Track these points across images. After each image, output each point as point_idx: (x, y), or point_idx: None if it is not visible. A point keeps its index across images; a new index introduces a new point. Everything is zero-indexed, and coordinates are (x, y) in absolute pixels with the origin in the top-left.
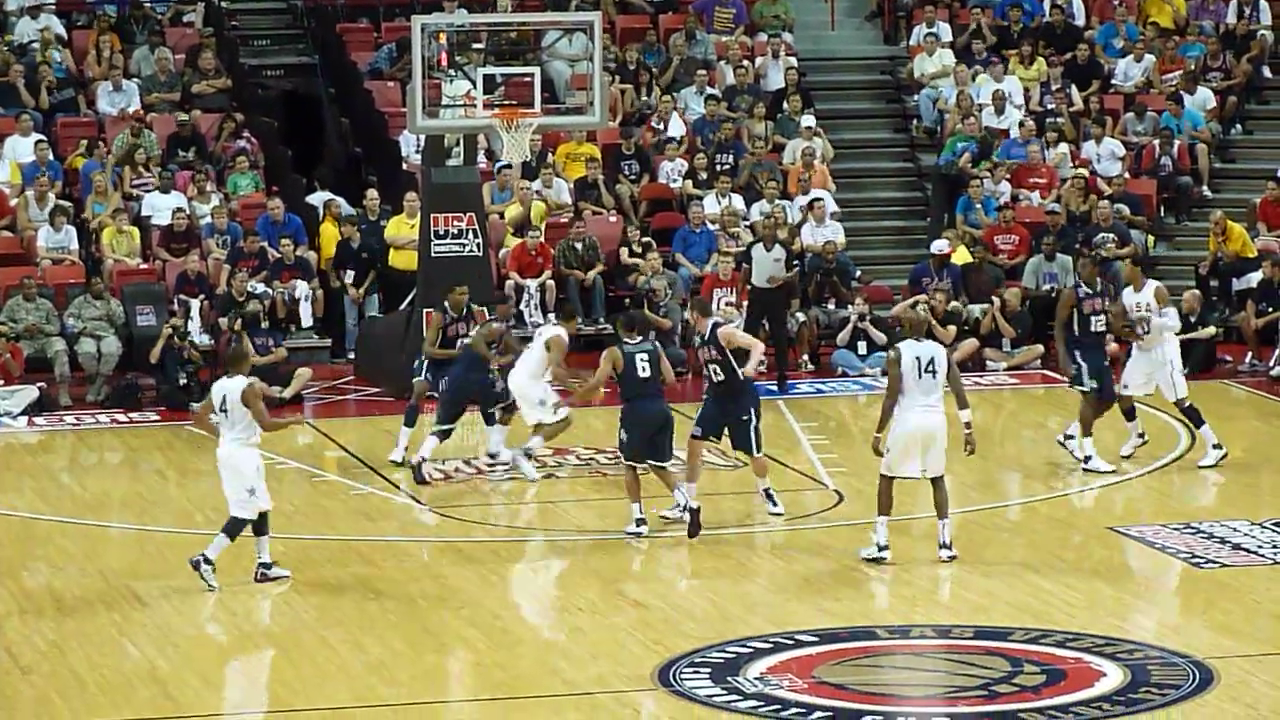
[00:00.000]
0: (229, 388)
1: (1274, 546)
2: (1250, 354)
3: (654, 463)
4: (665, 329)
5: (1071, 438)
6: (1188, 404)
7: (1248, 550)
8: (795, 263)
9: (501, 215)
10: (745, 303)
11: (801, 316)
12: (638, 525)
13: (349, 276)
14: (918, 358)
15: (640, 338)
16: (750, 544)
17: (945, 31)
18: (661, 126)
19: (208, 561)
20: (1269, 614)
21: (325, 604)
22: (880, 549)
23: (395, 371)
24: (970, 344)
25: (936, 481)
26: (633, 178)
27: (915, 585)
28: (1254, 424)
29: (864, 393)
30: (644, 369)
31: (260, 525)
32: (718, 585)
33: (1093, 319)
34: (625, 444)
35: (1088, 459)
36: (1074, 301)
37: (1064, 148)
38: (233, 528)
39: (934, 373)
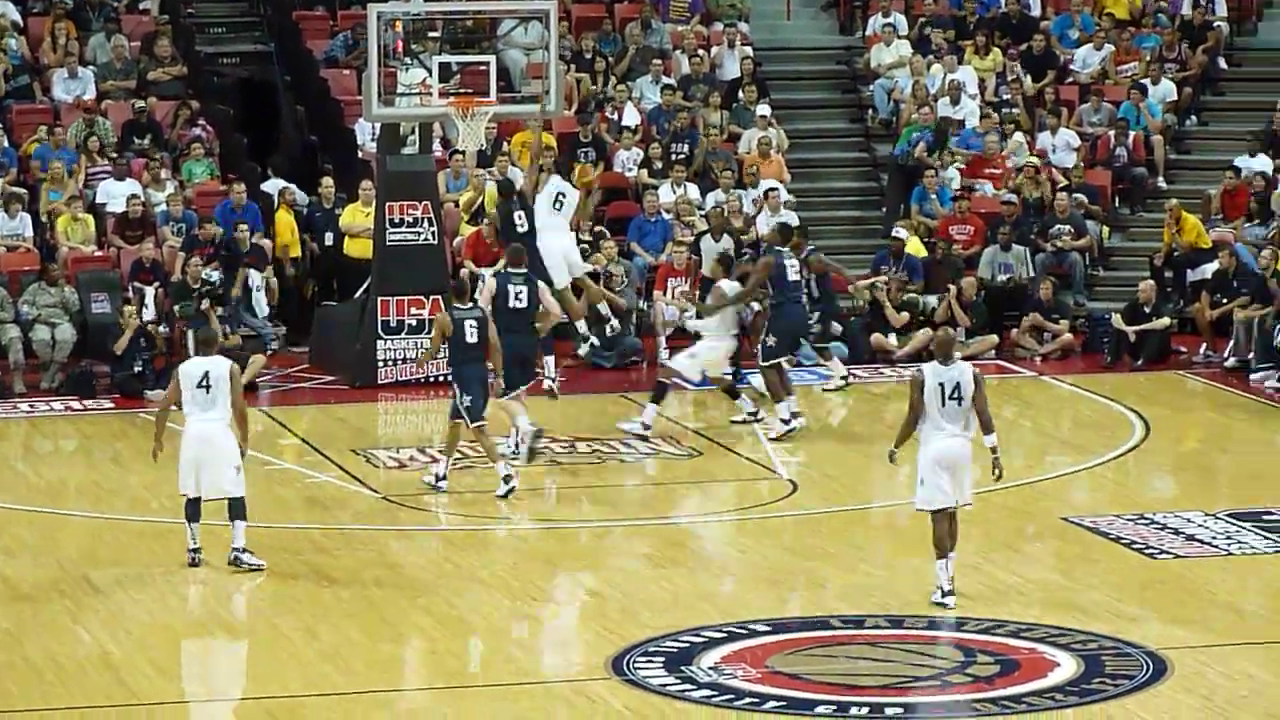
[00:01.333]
0: (211, 365)
1: (1228, 538)
2: (1205, 345)
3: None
4: (621, 309)
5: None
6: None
7: (1201, 541)
8: (745, 253)
9: (456, 204)
10: (695, 291)
11: (756, 305)
12: (438, 480)
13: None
14: (941, 383)
15: (471, 303)
16: (704, 534)
17: (901, 23)
18: (616, 116)
19: (243, 554)
20: (1223, 605)
21: (279, 592)
22: (945, 593)
23: (350, 359)
24: (989, 340)
25: (951, 514)
26: (589, 165)
27: (869, 575)
28: (1208, 415)
29: (818, 382)
30: (472, 334)
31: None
32: (672, 574)
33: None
34: (470, 408)
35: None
36: None
37: (1019, 137)
38: (241, 507)
39: (959, 399)
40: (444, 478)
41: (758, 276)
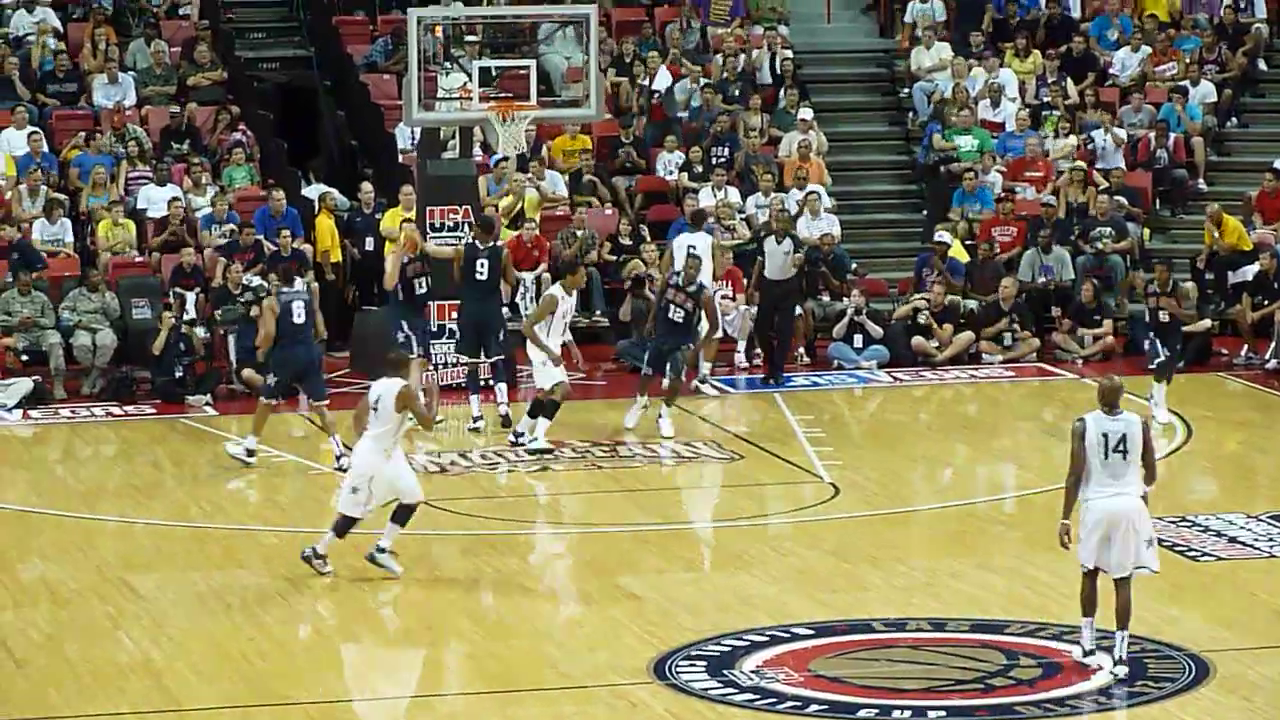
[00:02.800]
0: (383, 389)
1: (1269, 540)
2: (1246, 347)
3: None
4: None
5: None
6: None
7: (1243, 543)
8: (807, 254)
9: (496, 207)
10: (741, 295)
11: (798, 309)
12: (247, 455)
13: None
14: (1105, 434)
15: (298, 287)
16: (746, 536)
17: (939, 8)
18: (647, 81)
19: (318, 556)
20: (1265, 607)
21: (321, 595)
22: (1086, 653)
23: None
24: (1031, 342)
25: (1121, 582)
26: (629, 168)
27: (911, 578)
28: (1250, 416)
29: (859, 385)
30: (299, 315)
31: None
32: (714, 578)
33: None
34: (275, 385)
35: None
36: None
37: (1072, 139)
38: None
39: (1124, 452)
40: (253, 453)
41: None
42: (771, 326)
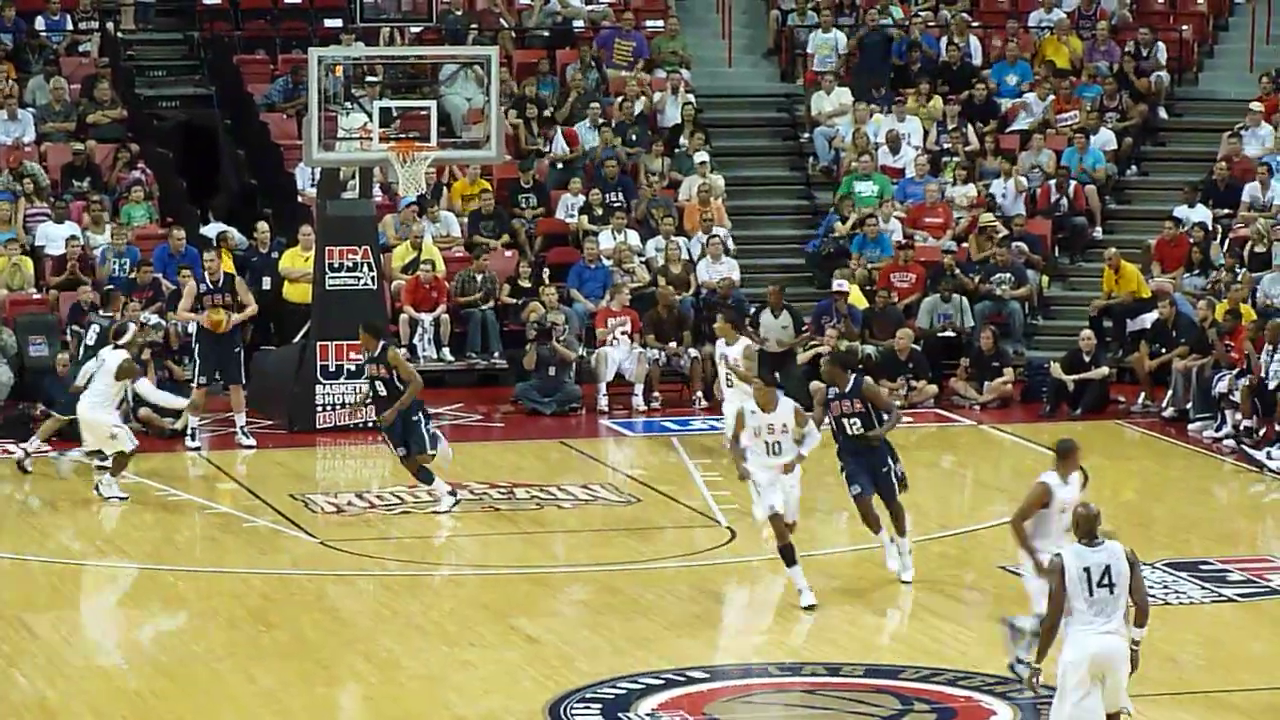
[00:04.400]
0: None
1: (1165, 588)
2: (1143, 394)
3: None
4: (570, 360)
5: None
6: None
7: None
8: (803, 327)
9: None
10: (635, 333)
11: (695, 353)
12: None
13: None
14: (1087, 569)
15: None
16: (642, 580)
17: (843, 42)
18: (548, 148)
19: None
20: (1159, 654)
21: (216, 635)
22: None
23: (288, 403)
24: (928, 389)
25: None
26: (531, 209)
27: (806, 622)
28: (1146, 464)
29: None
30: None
31: None
32: (609, 621)
33: (845, 421)
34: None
35: None
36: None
37: (971, 188)
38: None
39: (1110, 586)
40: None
41: None
42: None
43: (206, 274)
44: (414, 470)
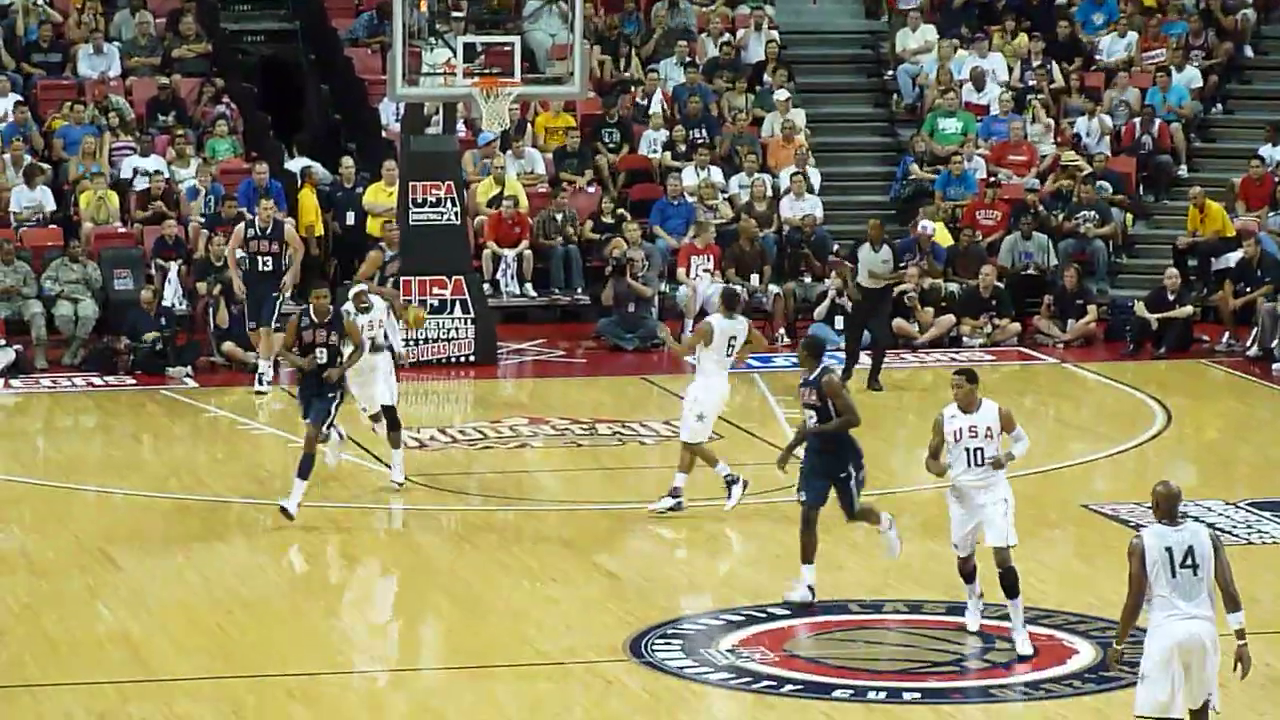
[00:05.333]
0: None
1: (1248, 527)
2: (1227, 333)
3: None
4: (646, 296)
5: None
6: None
7: (1222, 530)
8: (901, 264)
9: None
10: (718, 271)
11: (777, 290)
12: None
13: None
14: (1169, 549)
15: None
16: (722, 518)
17: None
18: (645, 103)
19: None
20: (1242, 594)
21: (299, 570)
22: None
23: None
24: (1012, 327)
25: (1198, 713)
26: (612, 147)
27: (888, 560)
28: (1230, 404)
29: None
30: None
31: None
32: (691, 558)
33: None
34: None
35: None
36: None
37: (1048, 123)
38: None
39: (1194, 567)
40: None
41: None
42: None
43: (258, 218)
44: (307, 442)
